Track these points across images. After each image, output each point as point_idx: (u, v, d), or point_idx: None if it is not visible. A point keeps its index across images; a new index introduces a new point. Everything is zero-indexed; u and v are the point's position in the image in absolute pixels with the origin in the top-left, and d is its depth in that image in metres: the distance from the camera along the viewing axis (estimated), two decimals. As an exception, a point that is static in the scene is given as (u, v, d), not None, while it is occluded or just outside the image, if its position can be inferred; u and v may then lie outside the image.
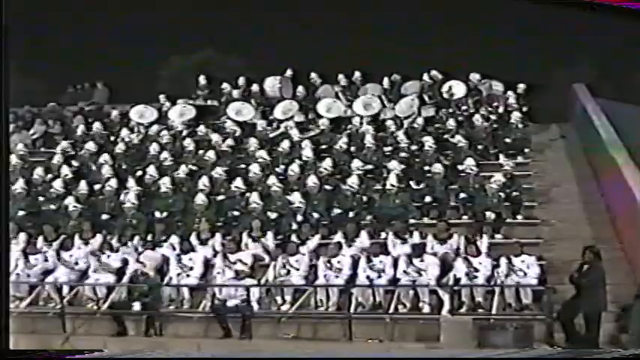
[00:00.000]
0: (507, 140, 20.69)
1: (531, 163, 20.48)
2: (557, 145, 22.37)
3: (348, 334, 14.87)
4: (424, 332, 14.58)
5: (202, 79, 25.54)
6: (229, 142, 21.49)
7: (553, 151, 21.90)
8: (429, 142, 19.98)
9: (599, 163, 19.98)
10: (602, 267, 14.14)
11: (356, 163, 19.28)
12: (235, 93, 24.64)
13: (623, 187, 16.76)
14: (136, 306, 15.87)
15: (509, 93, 22.83)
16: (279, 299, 16.09)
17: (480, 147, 20.39)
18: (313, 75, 24.93)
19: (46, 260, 17.45)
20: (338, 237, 17.03)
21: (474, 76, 23.37)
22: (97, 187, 19.82)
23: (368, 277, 15.83)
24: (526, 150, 20.81)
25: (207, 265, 16.92)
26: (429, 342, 14.09)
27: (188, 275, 16.69)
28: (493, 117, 21.79)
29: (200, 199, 18.31)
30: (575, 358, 13.17)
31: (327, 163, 19.38)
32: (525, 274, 15.36)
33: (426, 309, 15.32)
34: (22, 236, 18.02)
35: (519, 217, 17.87)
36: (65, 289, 16.81)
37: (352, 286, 15.74)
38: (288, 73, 25.20)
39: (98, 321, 16.29)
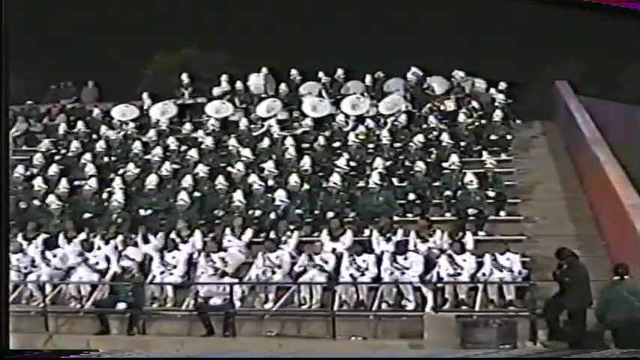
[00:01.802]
0: (490, 137, 20.72)
1: (514, 160, 20.50)
2: (540, 142, 22.42)
3: (332, 332, 14.86)
4: (408, 329, 14.59)
5: (185, 77, 25.47)
6: (211, 140, 21.45)
7: (536, 148, 21.95)
8: (415, 139, 19.97)
9: (581, 160, 20.04)
10: (582, 265, 14.18)
11: (341, 161, 19.26)
12: (217, 91, 24.59)
13: (605, 185, 16.83)
14: (120, 305, 15.82)
15: (492, 90, 22.87)
16: (262, 297, 16.07)
17: (462, 144, 20.42)
18: (294, 72, 24.87)
19: (33, 263, 17.45)
20: (322, 235, 17.01)
21: (458, 73, 23.38)
22: (79, 185, 19.77)
23: (351, 275, 15.84)
24: (509, 147, 20.84)
25: (191, 263, 16.89)
26: (412, 339, 14.10)
27: (171, 274, 16.65)
28: (476, 114, 21.79)
29: (181, 198, 18.28)
30: (558, 357, 13.21)
31: (306, 162, 19.35)
32: (511, 271, 15.41)
33: (410, 306, 15.34)
34: (5, 235, 17.92)
35: (502, 213, 17.91)
36: (48, 288, 16.76)
37: (336, 283, 15.74)
38: (265, 70, 25.10)
39: (81, 320, 16.28)
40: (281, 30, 29.54)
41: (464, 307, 15.14)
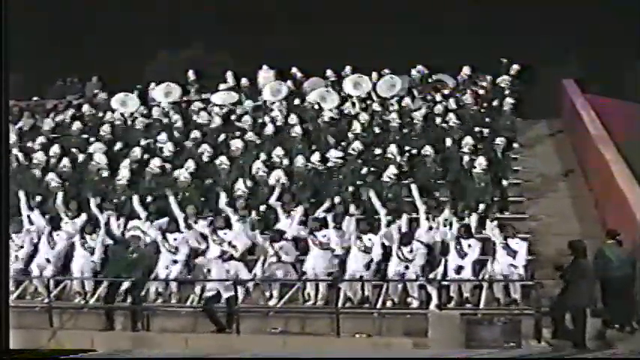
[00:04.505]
0: (497, 129, 20.63)
1: (520, 158, 20.47)
2: (546, 140, 22.40)
3: (336, 329, 14.84)
4: (412, 327, 14.57)
5: (192, 74, 25.44)
6: (218, 120, 21.54)
7: (542, 146, 21.93)
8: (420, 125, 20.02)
9: (587, 158, 20.00)
10: (584, 262, 14.10)
11: (356, 144, 19.26)
12: (223, 87, 24.60)
13: (611, 183, 16.80)
14: (125, 284, 15.80)
15: (504, 77, 22.76)
16: (267, 293, 16.08)
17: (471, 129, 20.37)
18: (294, 69, 24.84)
19: (35, 248, 17.40)
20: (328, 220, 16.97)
21: (465, 70, 23.37)
22: (82, 166, 19.87)
23: (361, 250, 15.86)
24: (515, 145, 20.76)
25: (193, 248, 16.90)
26: (416, 337, 14.08)
27: (175, 261, 16.57)
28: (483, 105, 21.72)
29: (183, 175, 18.32)
30: (560, 358, 13.20)
31: (316, 157, 19.32)
32: (515, 253, 15.36)
33: (414, 304, 15.33)
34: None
35: (506, 214, 17.86)
36: (52, 283, 16.78)
37: (340, 280, 15.73)
38: (265, 67, 25.08)
39: (86, 315, 16.27)
40: (287, 28, 29.56)
41: (468, 305, 15.13)
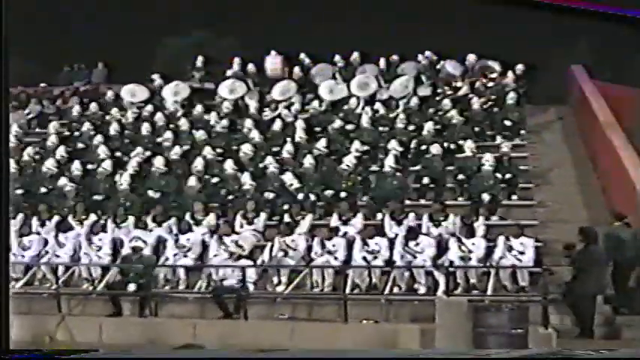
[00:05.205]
0: (504, 122, 20.57)
1: (528, 144, 20.40)
2: (553, 127, 22.30)
3: (344, 315, 14.85)
4: (419, 313, 14.58)
5: (200, 61, 25.32)
6: (224, 122, 21.42)
7: (550, 133, 21.84)
8: (428, 124, 19.89)
9: (595, 145, 19.94)
10: (595, 248, 14.09)
11: (355, 145, 19.20)
12: (230, 73, 24.48)
13: (620, 170, 16.75)
14: (131, 287, 15.82)
15: (508, 73, 22.69)
16: (275, 279, 16.07)
17: (476, 129, 20.32)
18: (302, 55, 24.74)
19: (45, 244, 17.44)
20: (333, 218, 16.99)
21: (471, 57, 23.25)
22: (91, 168, 19.82)
23: (364, 258, 15.81)
24: (522, 132, 20.72)
25: (205, 246, 16.88)
26: (424, 323, 14.07)
27: (185, 256, 16.65)
28: (490, 98, 21.65)
29: (192, 181, 18.26)
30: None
31: (322, 144, 19.31)
32: (522, 254, 15.33)
33: (422, 290, 15.33)
34: (19, 216, 17.99)
35: (514, 197, 17.85)
36: (60, 270, 16.79)
37: (348, 267, 15.73)
38: (273, 53, 25.03)
39: (93, 301, 16.32)
40: (295, 13, 29.45)
41: (475, 292, 15.12)
